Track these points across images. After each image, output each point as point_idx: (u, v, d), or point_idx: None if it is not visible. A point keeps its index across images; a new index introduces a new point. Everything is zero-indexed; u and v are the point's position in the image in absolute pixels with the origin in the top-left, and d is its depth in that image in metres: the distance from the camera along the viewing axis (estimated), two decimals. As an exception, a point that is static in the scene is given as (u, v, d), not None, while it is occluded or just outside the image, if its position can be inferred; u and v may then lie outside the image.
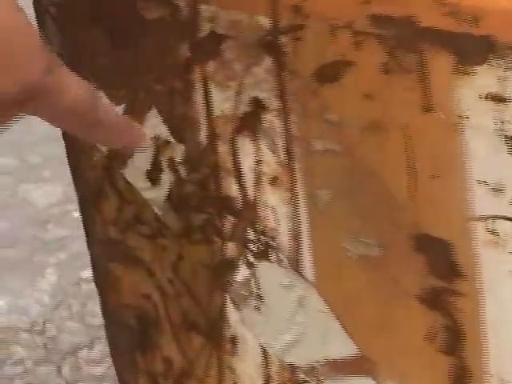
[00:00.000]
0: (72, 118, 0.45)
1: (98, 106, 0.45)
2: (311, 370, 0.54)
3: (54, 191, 1.74)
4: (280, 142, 0.50)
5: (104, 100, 0.48)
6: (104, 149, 0.56)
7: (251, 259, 0.53)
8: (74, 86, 0.43)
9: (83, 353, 1.46)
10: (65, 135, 0.60)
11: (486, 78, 0.43)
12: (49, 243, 1.65)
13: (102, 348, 1.44)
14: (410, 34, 0.45)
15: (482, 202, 0.46)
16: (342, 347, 0.53)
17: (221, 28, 0.49)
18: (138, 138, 0.51)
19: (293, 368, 0.55)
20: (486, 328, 0.48)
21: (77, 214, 0.71)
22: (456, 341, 0.50)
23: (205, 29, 0.50)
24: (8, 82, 0.40)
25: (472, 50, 0.43)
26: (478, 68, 0.43)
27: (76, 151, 0.60)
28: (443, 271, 0.49)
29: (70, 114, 0.44)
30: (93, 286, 0.67)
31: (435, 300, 0.50)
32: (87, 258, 0.64)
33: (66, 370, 1.45)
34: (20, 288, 1.57)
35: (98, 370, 1.43)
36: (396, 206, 0.49)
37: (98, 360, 1.44)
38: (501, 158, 0.44)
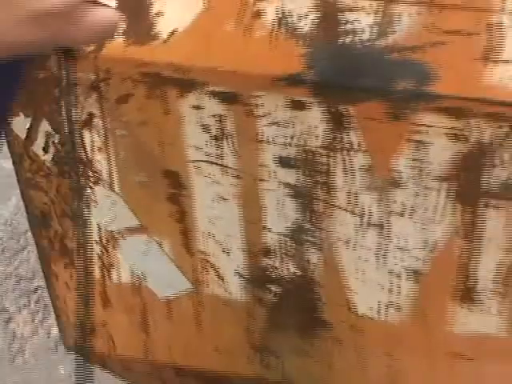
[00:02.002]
0: None
1: None
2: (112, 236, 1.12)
3: None
4: (103, 132, 1.07)
5: None
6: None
7: (92, 185, 1.11)
8: None
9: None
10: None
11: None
12: None
13: None
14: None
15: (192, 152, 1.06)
16: (127, 220, 1.12)
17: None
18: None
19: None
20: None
21: None
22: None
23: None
24: None
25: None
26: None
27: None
28: (174, 194, 1.08)
29: None
30: None
31: (172, 199, 1.09)
32: None
33: None
34: None
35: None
36: (154, 156, 1.07)
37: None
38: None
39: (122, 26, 1.02)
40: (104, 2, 0.52)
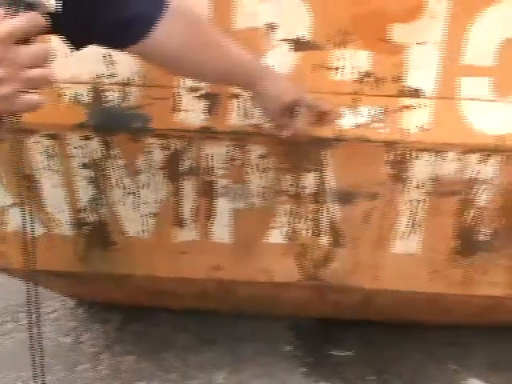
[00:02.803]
0: None
1: None
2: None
3: None
4: None
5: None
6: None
7: (-10, 184, 2.13)
8: None
9: None
10: None
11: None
12: None
13: None
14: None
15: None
16: (8, 200, 2.15)
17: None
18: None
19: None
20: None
21: None
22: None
23: None
24: None
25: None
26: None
27: None
28: (30, 186, 2.12)
29: None
30: None
31: (30, 188, 2.14)
32: None
33: None
34: None
35: None
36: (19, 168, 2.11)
37: None
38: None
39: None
40: (30, 92, 0.82)
